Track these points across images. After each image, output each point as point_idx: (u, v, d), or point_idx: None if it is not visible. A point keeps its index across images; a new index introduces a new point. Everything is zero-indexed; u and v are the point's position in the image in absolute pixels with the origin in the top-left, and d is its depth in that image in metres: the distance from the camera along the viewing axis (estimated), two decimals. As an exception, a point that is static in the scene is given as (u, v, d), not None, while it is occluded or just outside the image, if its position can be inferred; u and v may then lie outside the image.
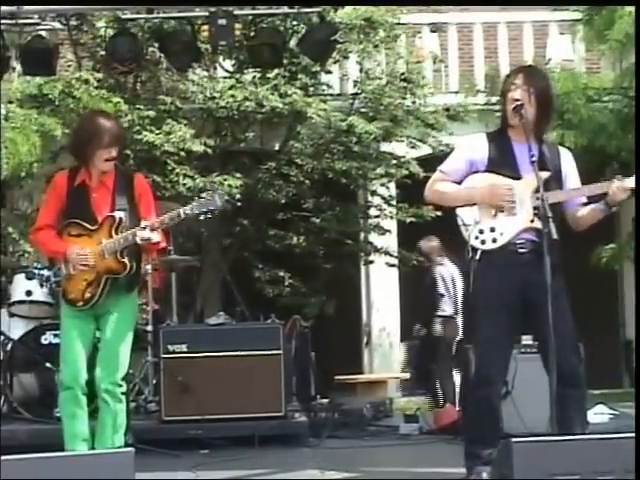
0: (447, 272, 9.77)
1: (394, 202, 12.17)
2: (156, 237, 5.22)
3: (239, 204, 10.80)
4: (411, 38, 12.85)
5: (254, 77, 11.02)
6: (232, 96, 10.88)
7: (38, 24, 7.49)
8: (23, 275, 7.73)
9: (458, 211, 5.08)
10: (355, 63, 12.03)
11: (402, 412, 8.58)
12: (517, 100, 4.92)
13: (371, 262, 12.49)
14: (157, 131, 10.69)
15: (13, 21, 7.30)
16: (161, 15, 8.06)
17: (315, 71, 11.38)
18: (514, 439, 4.18)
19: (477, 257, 4.93)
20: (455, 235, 5.10)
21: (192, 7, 7.56)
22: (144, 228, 5.17)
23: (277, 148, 11.91)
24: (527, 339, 6.38)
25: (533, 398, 5.89)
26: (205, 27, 7.53)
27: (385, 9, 11.24)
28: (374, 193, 12.24)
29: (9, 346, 7.49)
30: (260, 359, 7.18)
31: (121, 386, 5.27)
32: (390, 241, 12.31)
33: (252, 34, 7.67)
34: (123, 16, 7.81)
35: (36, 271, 7.61)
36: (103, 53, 9.70)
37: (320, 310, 11.79)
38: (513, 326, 5.01)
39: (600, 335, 11.17)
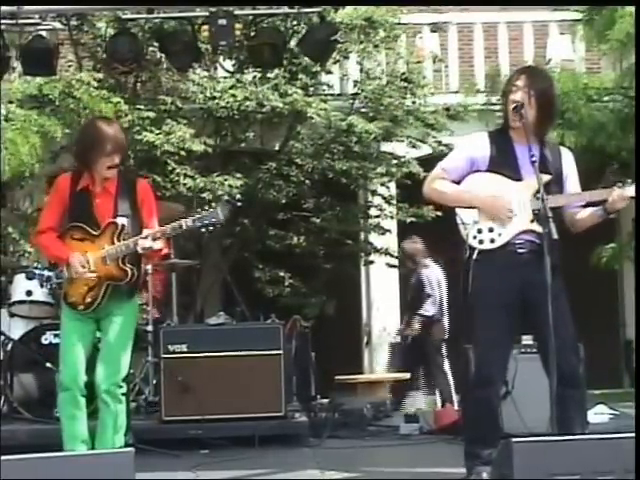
0: (432, 274, 9.80)
1: (394, 202, 12.16)
2: (158, 245, 5.23)
3: (239, 204, 10.79)
4: (411, 38, 12.85)
5: (254, 77, 11.01)
6: (232, 96, 10.88)
7: (38, 24, 7.48)
8: (23, 275, 7.72)
9: (457, 210, 5.08)
10: (355, 63, 12.02)
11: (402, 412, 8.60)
12: (517, 102, 4.92)
13: (371, 262, 12.48)
14: (157, 131, 10.68)
15: (13, 21, 7.30)
16: (161, 15, 8.05)
17: (315, 71, 11.37)
18: (514, 439, 4.19)
19: (475, 257, 4.94)
20: (455, 235, 5.10)
21: (192, 7, 7.56)
22: (146, 237, 5.17)
23: (277, 148, 11.90)
24: (527, 339, 6.36)
25: (533, 398, 5.89)
26: (205, 27, 7.53)
27: (385, 9, 11.24)
28: (374, 193, 12.23)
29: (9, 346, 7.48)
30: (260, 359, 7.17)
31: (121, 387, 5.28)
32: (390, 241, 12.29)
33: (252, 34, 7.67)
34: (123, 16, 7.80)
35: (36, 271, 7.61)
36: (103, 53, 9.69)
37: (320, 310, 11.78)
38: (512, 326, 5.00)
39: (600, 335, 11.17)
